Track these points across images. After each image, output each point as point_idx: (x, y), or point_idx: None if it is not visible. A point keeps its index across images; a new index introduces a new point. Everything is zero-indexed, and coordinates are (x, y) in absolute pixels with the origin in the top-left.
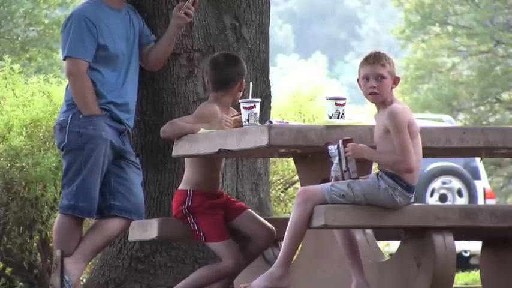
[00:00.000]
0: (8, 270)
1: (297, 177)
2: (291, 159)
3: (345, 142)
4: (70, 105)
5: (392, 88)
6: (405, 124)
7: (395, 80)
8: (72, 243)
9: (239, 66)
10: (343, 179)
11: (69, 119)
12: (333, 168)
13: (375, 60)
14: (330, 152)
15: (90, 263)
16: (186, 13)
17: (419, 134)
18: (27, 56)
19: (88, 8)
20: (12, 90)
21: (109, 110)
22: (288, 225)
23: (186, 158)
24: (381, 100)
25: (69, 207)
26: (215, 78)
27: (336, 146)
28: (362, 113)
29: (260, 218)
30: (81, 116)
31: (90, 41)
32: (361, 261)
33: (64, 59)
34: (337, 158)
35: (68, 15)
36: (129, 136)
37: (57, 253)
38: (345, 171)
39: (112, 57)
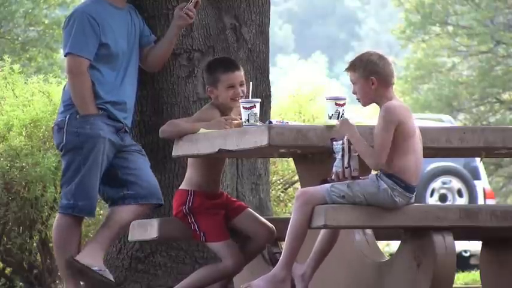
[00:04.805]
0: (8, 270)
1: (297, 177)
2: (291, 159)
3: None
4: (67, 105)
5: (373, 89)
6: (391, 122)
7: (372, 82)
8: (72, 243)
9: (205, 75)
10: (344, 176)
11: (66, 119)
12: (335, 163)
13: (347, 68)
14: (334, 147)
15: None
16: (187, 14)
17: (416, 135)
18: (27, 56)
19: (91, 5)
20: (12, 90)
21: (106, 109)
22: (289, 228)
23: (188, 159)
24: (364, 103)
25: (69, 207)
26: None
27: (341, 142)
28: (362, 113)
29: (260, 217)
30: (78, 116)
31: (93, 39)
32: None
33: (65, 56)
34: (340, 153)
35: (70, 12)
36: (128, 132)
37: (69, 259)
38: (346, 168)
39: (113, 56)
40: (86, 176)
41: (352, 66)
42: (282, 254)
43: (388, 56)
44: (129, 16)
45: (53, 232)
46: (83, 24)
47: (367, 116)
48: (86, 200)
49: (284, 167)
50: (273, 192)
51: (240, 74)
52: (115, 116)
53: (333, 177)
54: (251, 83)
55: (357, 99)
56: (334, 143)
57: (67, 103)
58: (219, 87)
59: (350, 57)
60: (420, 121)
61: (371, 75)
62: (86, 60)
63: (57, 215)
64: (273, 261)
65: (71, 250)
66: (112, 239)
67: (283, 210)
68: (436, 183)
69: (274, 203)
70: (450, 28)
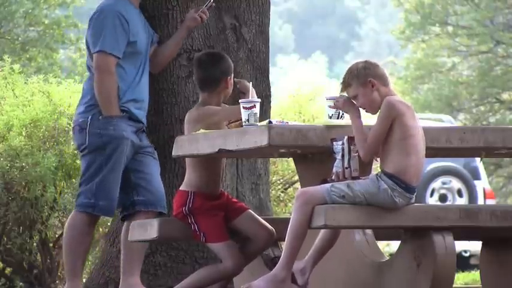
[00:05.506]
0: (8, 270)
1: (297, 177)
2: (291, 159)
3: (351, 139)
4: (90, 106)
5: (375, 91)
6: (388, 116)
7: (372, 83)
8: (84, 241)
9: (222, 65)
10: (344, 176)
11: (88, 120)
12: (335, 164)
13: (342, 86)
14: (334, 147)
15: (90, 263)
16: (200, 17)
17: (418, 134)
18: (27, 56)
19: (119, 3)
20: (12, 90)
21: (128, 110)
22: (289, 228)
23: (186, 160)
24: (373, 110)
25: (89, 205)
26: (198, 79)
27: (341, 142)
28: (362, 113)
29: (260, 219)
30: (101, 117)
31: (123, 37)
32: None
33: (95, 53)
34: (340, 154)
35: (97, 9)
36: (145, 132)
37: None
38: (346, 168)
39: (137, 53)
40: (107, 176)
41: (346, 83)
42: (282, 254)
43: (376, 61)
44: (142, 15)
45: (65, 229)
46: (114, 22)
47: (367, 116)
48: (106, 200)
49: (284, 167)
50: (273, 192)
51: None
52: (136, 117)
53: (333, 177)
54: (251, 83)
55: (364, 109)
56: (334, 143)
57: (89, 103)
58: (232, 76)
59: (350, 57)
60: (420, 121)
61: (367, 78)
62: (115, 58)
63: (73, 213)
64: (270, 267)
65: (81, 251)
66: (140, 259)
67: (283, 210)
68: (436, 183)
69: (274, 203)
70: (450, 28)
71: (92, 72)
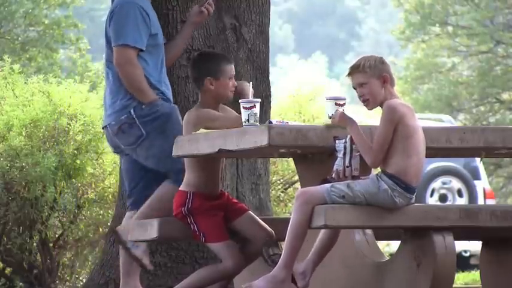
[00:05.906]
0: (8, 270)
1: (297, 177)
2: (291, 159)
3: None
4: (127, 100)
5: (384, 87)
6: (391, 119)
7: (384, 78)
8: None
9: (204, 65)
10: (344, 175)
11: (133, 114)
12: (336, 162)
13: (351, 71)
14: (337, 145)
15: (90, 263)
16: (207, 10)
17: (419, 135)
18: (27, 56)
19: None
20: (12, 90)
21: (162, 93)
22: (289, 228)
23: (185, 160)
24: (374, 104)
25: None
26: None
27: (343, 141)
28: (362, 113)
29: (260, 220)
30: (143, 106)
31: (145, 30)
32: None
33: (118, 46)
34: (342, 152)
35: (116, 4)
36: None
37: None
38: (347, 167)
39: (159, 46)
40: None
41: (361, 68)
42: (283, 254)
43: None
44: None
45: (158, 199)
46: (135, 15)
47: (368, 115)
48: None
49: (284, 167)
50: (273, 192)
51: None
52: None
53: (333, 175)
54: (251, 83)
55: (364, 101)
56: (336, 141)
57: (126, 99)
58: (221, 78)
59: (350, 57)
60: (420, 121)
61: (383, 72)
62: (136, 50)
63: (171, 185)
64: (270, 264)
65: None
66: None
67: (283, 210)
68: (436, 183)
69: (274, 203)
70: (450, 28)
71: (111, 68)
